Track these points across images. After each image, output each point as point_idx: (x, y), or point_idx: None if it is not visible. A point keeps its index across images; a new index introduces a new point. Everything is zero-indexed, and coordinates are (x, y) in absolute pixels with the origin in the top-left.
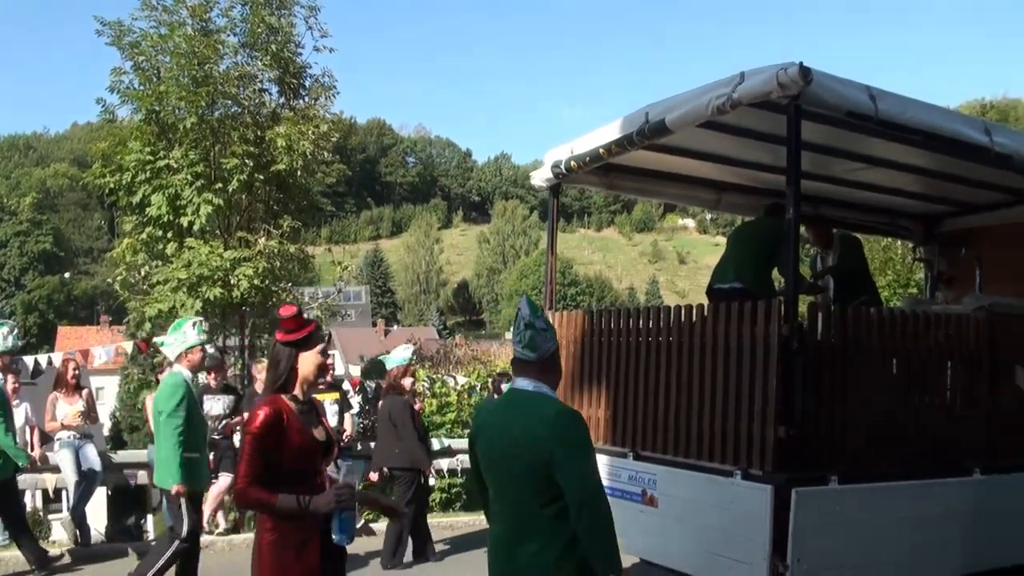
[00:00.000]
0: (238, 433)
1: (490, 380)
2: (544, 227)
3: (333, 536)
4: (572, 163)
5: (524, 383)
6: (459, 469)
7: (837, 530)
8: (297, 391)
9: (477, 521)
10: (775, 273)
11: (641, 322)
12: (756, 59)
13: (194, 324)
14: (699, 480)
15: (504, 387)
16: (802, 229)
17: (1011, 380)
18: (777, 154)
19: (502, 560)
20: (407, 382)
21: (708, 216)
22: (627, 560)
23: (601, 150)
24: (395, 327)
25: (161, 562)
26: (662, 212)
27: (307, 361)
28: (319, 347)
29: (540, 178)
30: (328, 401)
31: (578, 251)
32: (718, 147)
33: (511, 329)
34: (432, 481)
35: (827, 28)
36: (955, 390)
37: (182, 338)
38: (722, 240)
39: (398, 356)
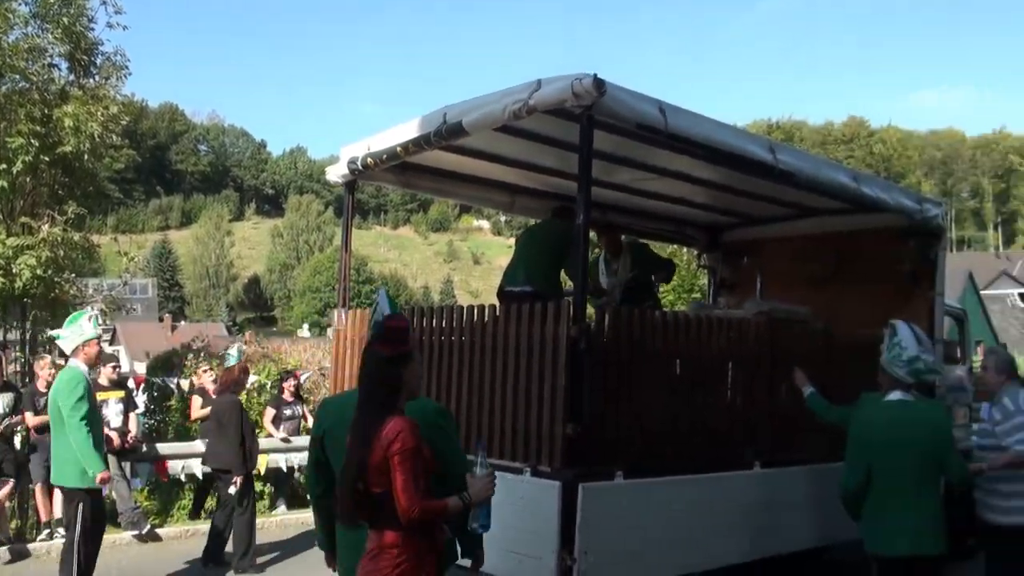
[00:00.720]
0: (18, 434)
1: (279, 378)
2: (339, 223)
3: (476, 526)
4: (369, 160)
5: None
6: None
7: (623, 523)
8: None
9: (270, 522)
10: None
11: (435, 321)
12: (555, 67)
13: (90, 318)
14: None
15: (287, 384)
16: (593, 234)
17: (789, 380)
18: (570, 160)
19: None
20: (252, 379)
21: (503, 218)
22: None
23: (398, 148)
24: (183, 322)
25: (75, 565)
26: (458, 212)
27: (412, 374)
28: (418, 359)
29: (336, 174)
30: (113, 400)
31: (373, 249)
32: (514, 151)
33: (371, 325)
34: (232, 489)
35: (627, 43)
36: (737, 389)
37: (79, 331)
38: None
39: (233, 354)
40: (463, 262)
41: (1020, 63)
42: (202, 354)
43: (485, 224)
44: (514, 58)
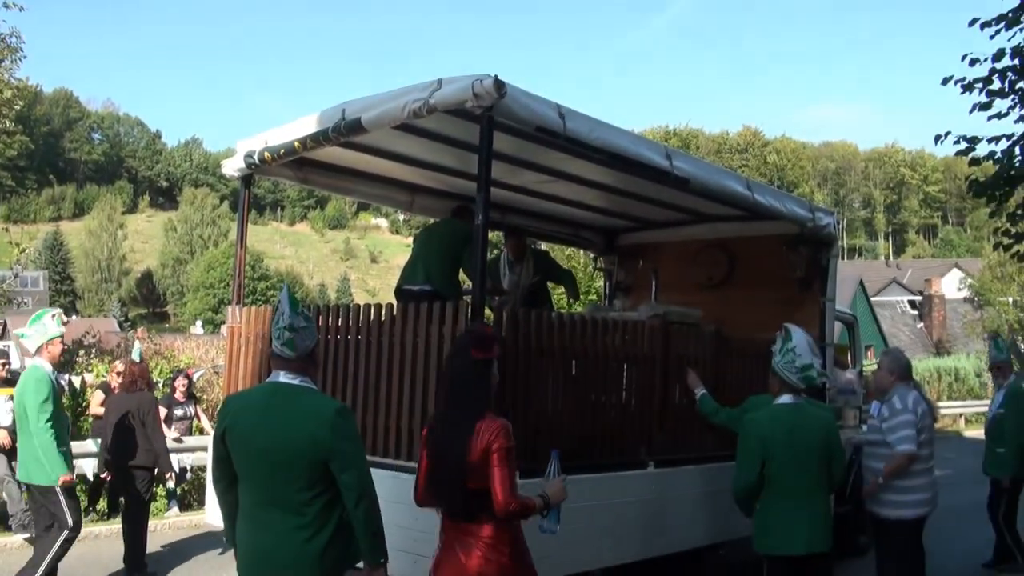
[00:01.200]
0: None
1: (171, 376)
2: (234, 218)
3: (547, 526)
4: (266, 155)
5: (287, 376)
6: None
7: None
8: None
9: (163, 524)
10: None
11: (331, 320)
12: (456, 67)
13: (53, 316)
14: (384, 477)
15: (179, 383)
16: (494, 235)
17: (683, 381)
18: (470, 161)
19: (263, 550)
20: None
21: (400, 216)
22: None
23: (296, 143)
24: (74, 317)
25: (49, 557)
26: (355, 210)
27: (495, 378)
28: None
29: (232, 167)
30: (2, 398)
31: (269, 244)
32: (414, 150)
33: (275, 322)
34: (171, 484)
35: (528, 47)
36: (631, 390)
37: (42, 330)
38: None
39: (137, 350)
40: (360, 260)
41: (912, 81)
42: (93, 350)
43: (383, 222)
44: (414, 57)
